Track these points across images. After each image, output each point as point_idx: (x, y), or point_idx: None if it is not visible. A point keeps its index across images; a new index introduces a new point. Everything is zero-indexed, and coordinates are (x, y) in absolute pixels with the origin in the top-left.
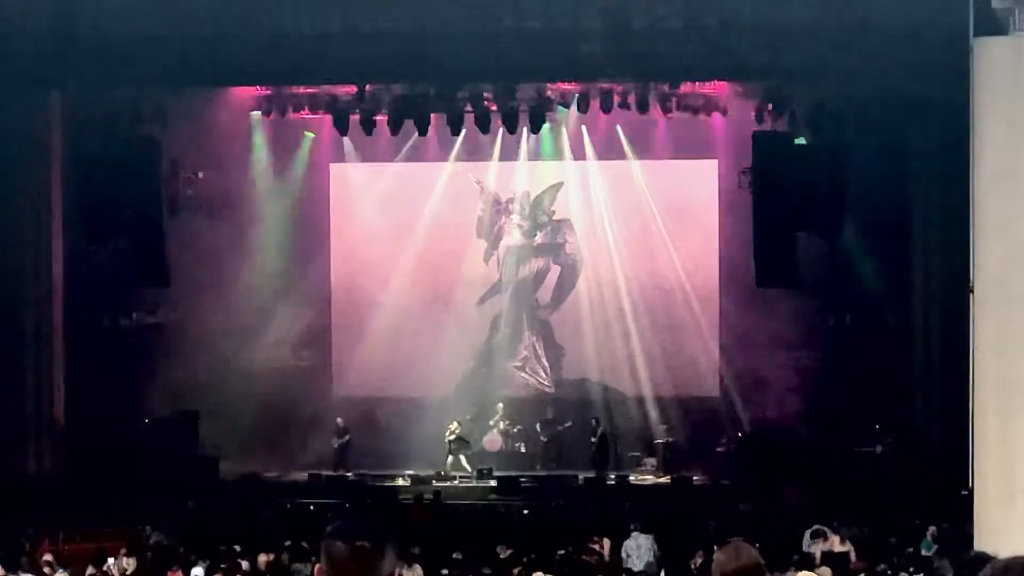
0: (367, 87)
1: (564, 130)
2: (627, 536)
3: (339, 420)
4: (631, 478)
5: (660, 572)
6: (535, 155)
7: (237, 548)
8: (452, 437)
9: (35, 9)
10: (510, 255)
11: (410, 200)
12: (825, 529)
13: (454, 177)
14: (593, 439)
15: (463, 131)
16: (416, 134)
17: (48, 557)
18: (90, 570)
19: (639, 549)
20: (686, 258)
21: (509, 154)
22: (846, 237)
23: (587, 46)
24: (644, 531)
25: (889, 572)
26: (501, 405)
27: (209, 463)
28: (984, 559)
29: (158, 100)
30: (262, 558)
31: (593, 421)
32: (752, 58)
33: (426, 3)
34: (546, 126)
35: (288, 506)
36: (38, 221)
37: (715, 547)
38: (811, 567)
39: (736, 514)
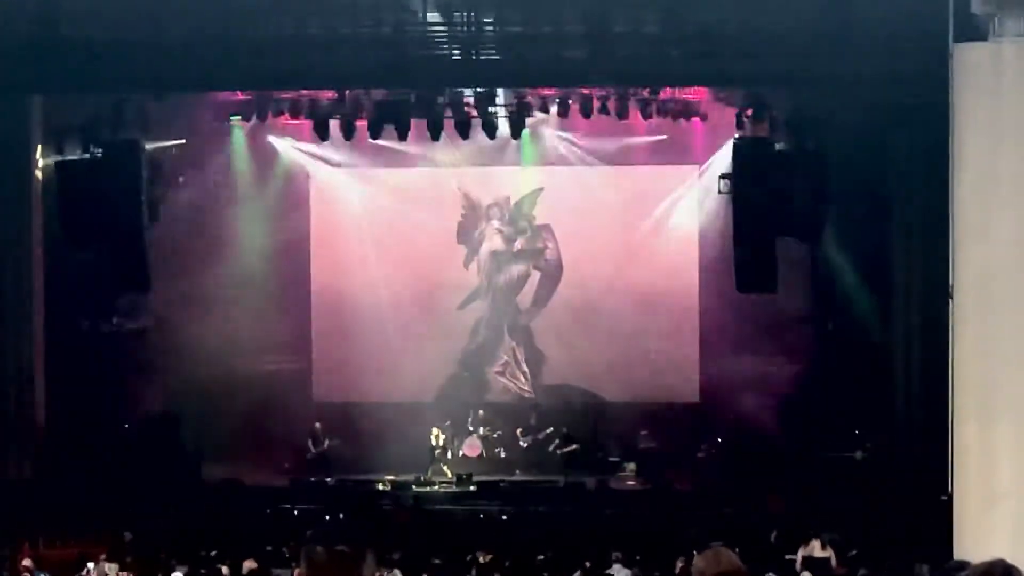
0: (347, 92)
1: (544, 135)
2: (608, 563)
3: (317, 425)
4: (611, 484)
5: None
6: (516, 160)
7: (217, 553)
8: (436, 444)
9: (16, 13)
10: (491, 260)
11: (390, 205)
12: None
13: (434, 182)
14: (561, 451)
15: (443, 136)
16: (396, 139)
17: (27, 562)
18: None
19: None
20: (666, 263)
21: (489, 159)
22: (826, 242)
23: (568, 52)
24: (626, 564)
25: None
26: (481, 411)
27: (190, 468)
28: (963, 566)
29: (139, 105)
30: (247, 564)
31: (564, 430)
32: (732, 64)
33: (406, 8)
34: (526, 131)
35: (269, 511)
36: (19, 225)
37: (695, 553)
38: (791, 573)
39: (717, 520)
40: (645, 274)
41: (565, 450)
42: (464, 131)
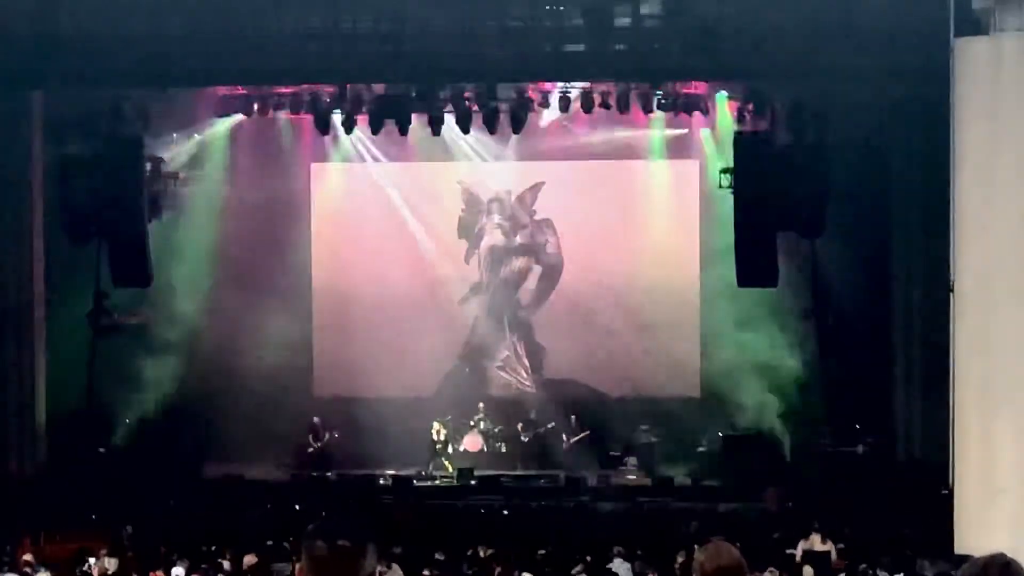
0: (348, 87)
1: (545, 130)
2: (608, 558)
3: (316, 420)
4: (612, 478)
5: None
6: (516, 155)
7: (218, 548)
8: (437, 438)
9: (16, 9)
10: (491, 255)
11: (391, 200)
12: None
13: (435, 177)
14: (571, 439)
15: (444, 130)
16: (397, 134)
17: (28, 557)
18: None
19: None
20: (667, 258)
21: (490, 154)
22: (827, 237)
23: (569, 46)
24: (626, 559)
25: (870, 572)
26: (482, 405)
27: (191, 463)
28: (964, 560)
29: (140, 100)
30: (248, 559)
31: (573, 417)
32: (733, 59)
33: (407, 3)
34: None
35: (270, 506)
36: (19, 221)
37: (696, 547)
38: (792, 567)
39: (717, 514)
40: (646, 268)
41: (575, 438)
42: (465, 125)
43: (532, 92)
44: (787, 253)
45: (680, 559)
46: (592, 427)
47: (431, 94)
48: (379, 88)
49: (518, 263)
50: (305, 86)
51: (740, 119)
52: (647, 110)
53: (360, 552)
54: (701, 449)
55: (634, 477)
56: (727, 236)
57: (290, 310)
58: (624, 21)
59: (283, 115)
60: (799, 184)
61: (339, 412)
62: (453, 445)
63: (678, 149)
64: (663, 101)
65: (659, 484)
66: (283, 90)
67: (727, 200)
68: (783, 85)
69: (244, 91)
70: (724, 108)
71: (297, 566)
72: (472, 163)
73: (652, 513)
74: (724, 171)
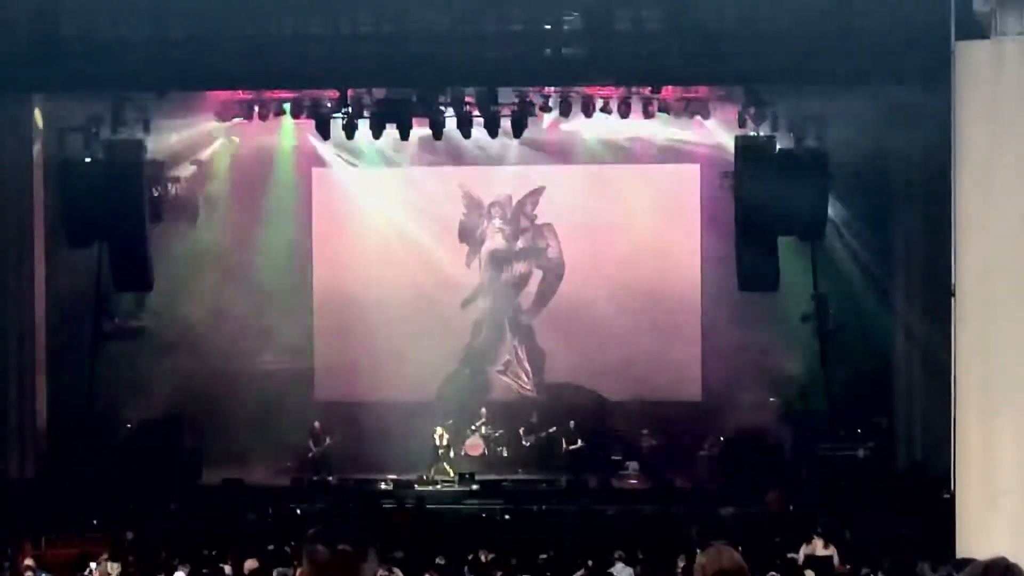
0: (349, 91)
1: (546, 133)
2: (610, 562)
3: (316, 424)
4: (613, 482)
5: None
6: (517, 159)
7: (219, 552)
8: (440, 443)
9: (17, 12)
10: (492, 259)
11: (392, 204)
12: None
13: (436, 181)
14: (569, 447)
15: (444, 134)
16: (398, 138)
17: (29, 561)
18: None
19: None
20: (668, 262)
21: (491, 158)
22: (827, 241)
23: (569, 50)
24: (628, 563)
25: (871, 575)
26: (484, 409)
27: (192, 467)
28: (965, 564)
29: (141, 104)
30: (249, 564)
31: (572, 424)
32: (734, 62)
33: (408, 6)
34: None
35: (271, 510)
36: (20, 225)
37: (698, 551)
38: (794, 571)
39: (719, 518)
40: (647, 272)
41: (571, 447)
42: (465, 129)
43: (533, 96)
44: (788, 257)
45: (681, 563)
46: (593, 431)
47: (432, 98)
48: (380, 92)
49: (519, 267)
50: (306, 90)
51: (741, 123)
52: (648, 114)
53: (361, 556)
54: (702, 453)
55: (635, 481)
56: (728, 240)
57: (291, 314)
58: (625, 25)
59: (284, 119)
60: (800, 188)
61: (340, 416)
62: (455, 449)
63: (679, 153)
64: (664, 105)
65: (660, 488)
66: (284, 94)
67: (728, 204)
68: (784, 89)
69: (245, 95)
70: (725, 112)
71: (298, 570)
72: (473, 167)
73: (653, 517)
74: (725, 175)
